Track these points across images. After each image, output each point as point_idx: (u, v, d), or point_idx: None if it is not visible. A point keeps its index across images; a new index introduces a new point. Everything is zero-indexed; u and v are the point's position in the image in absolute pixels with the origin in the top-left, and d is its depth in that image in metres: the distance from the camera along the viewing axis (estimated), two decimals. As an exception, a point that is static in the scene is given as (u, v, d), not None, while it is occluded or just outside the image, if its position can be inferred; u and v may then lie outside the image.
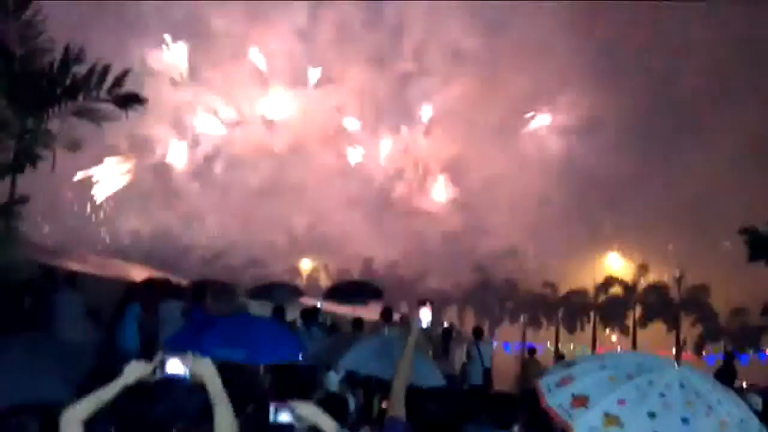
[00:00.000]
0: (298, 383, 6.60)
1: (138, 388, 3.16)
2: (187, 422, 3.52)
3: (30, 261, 16.26)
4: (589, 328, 54.68)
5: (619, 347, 55.00)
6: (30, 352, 5.17)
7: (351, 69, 67.18)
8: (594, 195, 57.97)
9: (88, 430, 3.08)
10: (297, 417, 3.06)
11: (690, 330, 51.10)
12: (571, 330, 54.81)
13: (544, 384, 3.05)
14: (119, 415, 3.26)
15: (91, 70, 12.63)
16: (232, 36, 66.17)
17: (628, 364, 2.99)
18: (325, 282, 54.73)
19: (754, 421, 2.91)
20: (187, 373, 3.20)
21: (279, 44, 67.41)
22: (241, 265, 57.57)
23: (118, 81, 12.79)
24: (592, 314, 54.52)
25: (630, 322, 53.42)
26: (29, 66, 12.43)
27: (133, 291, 13.14)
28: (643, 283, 53.05)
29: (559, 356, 32.59)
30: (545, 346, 49.13)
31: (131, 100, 13.06)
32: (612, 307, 53.52)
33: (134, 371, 3.15)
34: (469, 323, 48.16)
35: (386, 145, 69.09)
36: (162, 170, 65.60)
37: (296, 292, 19.75)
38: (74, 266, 19.93)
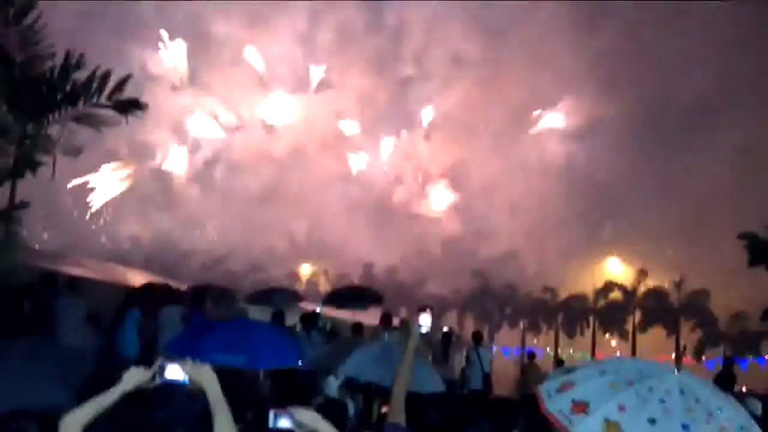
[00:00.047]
0: (297, 389, 6.59)
1: (137, 394, 3.16)
2: (187, 429, 3.51)
3: (29, 266, 16.26)
4: (588, 333, 54.66)
5: (618, 352, 55.01)
6: (30, 357, 5.17)
7: (351, 74, 67.27)
8: (593, 200, 58.04)
9: (87, 436, 3.08)
10: (297, 423, 3.05)
11: (690, 335, 51.05)
12: (571, 335, 54.80)
13: (544, 389, 3.05)
14: (118, 421, 3.26)
15: (91, 76, 12.64)
16: (232, 41, 66.33)
17: (628, 370, 2.99)
18: (324, 287, 54.74)
19: (755, 428, 2.91)
20: (187, 379, 3.20)
21: (279, 49, 67.52)
22: (241, 270, 57.60)
23: (119, 87, 12.79)
24: (591, 319, 54.52)
25: (629, 327, 53.40)
26: (29, 72, 12.44)
27: (132, 296, 13.13)
28: (642, 288, 52.99)
29: (558, 361, 32.53)
30: (545, 351, 49.18)
31: (131, 106, 13.06)
32: (611, 312, 53.52)
33: (133, 377, 3.15)
34: (469, 328, 48.13)
35: (386, 150, 69.14)
36: (162, 175, 65.65)
37: (296, 297, 19.75)
38: (74, 271, 19.92)
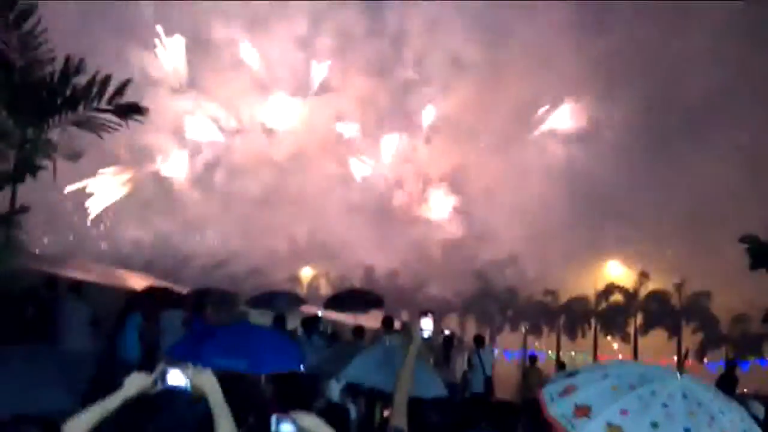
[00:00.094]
0: (299, 393, 6.58)
1: (139, 399, 3.15)
2: (188, 433, 3.51)
3: (31, 270, 16.26)
4: (590, 335, 54.60)
5: (620, 355, 54.96)
6: (31, 362, 5.18)
7: (352, 77, 67.31)
8: (594, 202, 57.99)
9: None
10: (299, 428, 3.05)
11: (691, 337, 50.99)
12: (573, 337, 54.76)
13: (546, 393, 3.04)
14: (121, 426, 3.26)
15: (91, 81, 12.63)
16: (232, 44, 66.37)
17: (630, 374, 2.99)
18: (325, 290, 54.75)
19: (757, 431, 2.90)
20: (188, 385, 3.20)
21: (279, 52, 67.54)
22: (242, 273, 57.57)
23: (119, 91, 12.79)
24: (593, 322, 54.44)
25: (631, 330, 53.34)
26: (29, 76, 12.44)
27: (134, 300, 13.15)
28: (644, 290, 52.94)
29: (560, 364, 32.52)
30: (546, 354, 49.13)
31: (132, 111, 13.06)
32: (613, 314, 53.47)
33: (135, 383, 3.15)
34: (471, 331, 48.12)
35: (387, 154, 69.14)
36: (162, 179, 65.67)
37: (297, 300, 19.72)
38: (75, 275, 19.92)
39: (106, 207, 61.50)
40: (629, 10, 58.65)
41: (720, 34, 55.74)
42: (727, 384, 14.87)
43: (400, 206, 68.75)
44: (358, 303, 19.06)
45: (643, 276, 53.06)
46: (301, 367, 7.71)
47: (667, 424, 2.73)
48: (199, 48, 65.22)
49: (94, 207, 60.60)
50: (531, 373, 18.76)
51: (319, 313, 18.38)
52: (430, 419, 4.47)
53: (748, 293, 41.20)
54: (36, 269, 17.32)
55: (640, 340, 52.70)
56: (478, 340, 16.80)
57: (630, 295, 53.22)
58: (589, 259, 57.66)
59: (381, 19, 67.84)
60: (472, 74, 66.42)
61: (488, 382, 15.25)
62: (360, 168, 68.29)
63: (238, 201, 64.07)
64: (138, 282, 25.66)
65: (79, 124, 13.01)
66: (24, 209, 13.13)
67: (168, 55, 64.76)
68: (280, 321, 13.54)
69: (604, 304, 54.15)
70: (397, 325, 15.60)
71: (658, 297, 52.39)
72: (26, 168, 12.69)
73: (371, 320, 18.58)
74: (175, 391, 3.21)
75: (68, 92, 12.66)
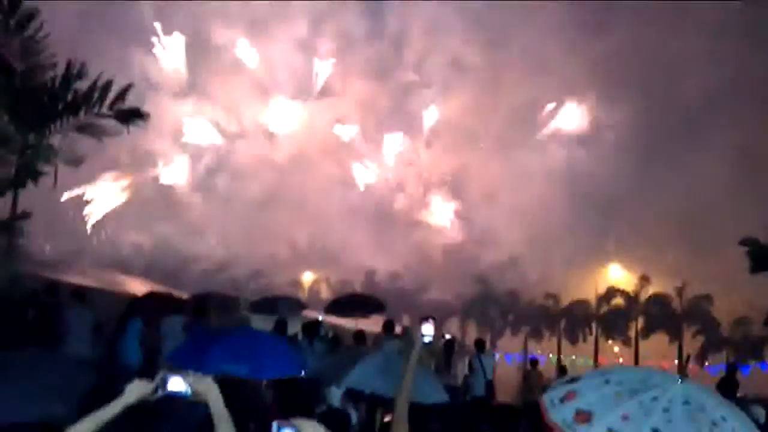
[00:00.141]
0: (300, 398, 6.58)
1: (140, 406, 3.15)
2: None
3: (32, 275, 16.27)
4: (591, 339, 54.55)
5: (621, 358, 54.92)
6: (30, 368, 5.16)
7: (352, 80, 67.34)
8: (595, 206, 57.94)
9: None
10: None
11: (692, 341, 50.94)
12: (574, 341, 54.69)
13: (547, 399, 3.03)
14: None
15: (92, 86, 12.65)
16: (233, 48, 66.41)
17: (632, 380, 2.98)
18: (326, 294, 54.74)
19: (758, 437, 2.90)
20: (189, 391, 3.20)
21: (280, 55, 67.58)
22: (243, 277, 57.59)
23: (120, 96, 12.81)
24: (594, 325, 54.38)
25: (632, 333, 53.27)
26: (31, 82, 12.46)
27: (134, 305, 13.15)
28: (645, 294, 52.88)
29: (561, 367, 32.49)
30: (547, 358, 49.04)
31: (133, 116, 13.08)
32: (614, 318, 53.41)
33: (136, 390, 3.15)
34: (471, 335, 48.06)
35: (389, 154, 69.12)
36: (164, 183, 65.67)
37: (298, 305, 19.71)
38: (76, 280, 19.93)
39: (107, 213, 61.49)
40: (629, 11, 58.69)
41: (719, 34, 55.79)
42: (727, 387, 14.81)
43: (401, 210, 68.75)
44: (359, 307, 19.06)
45: (644, 279, 52.99)
46: (302, 372, 7.71)
47: (668, 430, 2.72)
48: (199, 51, 65.30)
49: (94, 213, 60.60)
50: (532, 377, 18.75)
51: (320, 318, 18.36)
52: (431, 426, 4.47)
53: (748, 296, 41.21)
54: (37, 274, 17.32)
55: (641, 344, 52.64)
56: (479, 345, 16.79)
57: (631, 299, 53.17)
58: (590, 262, 57.64)
59: (381, 21, 67.93)
60: (473, 76, 66.51)
61: (489, 385, 15.23)
62: (363, 175, 68.26)
63: (239, 205, 64.11)
64: (138, 287, 25.68)
65: (80, 129, 13.04)
66: (25, 215, 13.15)
67: (168, 54, 64.77)
68: (281, 326, 13.53)
69: (605, 308, 54.10)
70: (398, 329, 15.58)
71: (659, 300, 52.34)
72: (28, 173, 12.71)
73: (372, 324, 18.57)
74: (175, 398, 3.20)
75: (70, 97, 12.69)
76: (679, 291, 51.72)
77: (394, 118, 68.02)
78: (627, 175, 59.24)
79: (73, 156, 13.36)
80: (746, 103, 54.18)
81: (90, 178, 57.25)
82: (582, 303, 54.39)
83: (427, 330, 4.03)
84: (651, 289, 52.85)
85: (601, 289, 54.82)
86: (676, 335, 51.80)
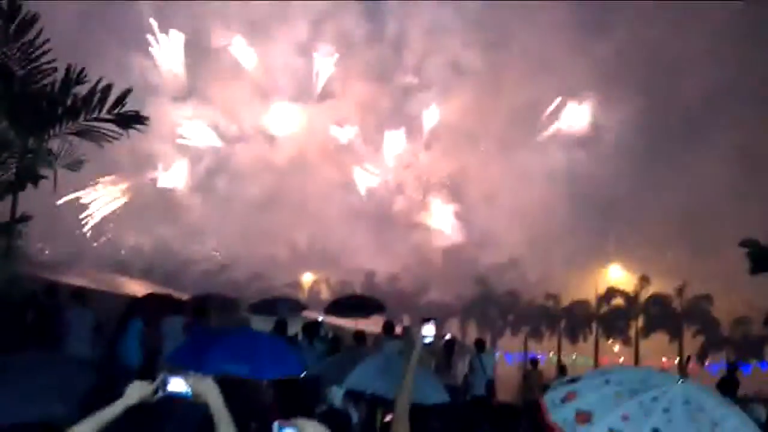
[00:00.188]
0: (301, 399, 6.59)
1: (140, 407, 3.15)
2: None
3: (31, 276, 16.28)
4: (591, 338, 54.53)
5: (621, 358, 54.92)
6: (30, 369, 5.17)
7: (352, 82, 67.35)
8: (595, 206, 57.97)
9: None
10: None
11: (692, 340, 50.94)
12: (574, 341, 54.68)
13: (548, 399, 3.04)
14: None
15: (92, 90, 12.63)
16: (232, 51, 66.40)
17: (632, 380, 2.99)
18: (326, 295, 54.72)
19: (758, 436, 2.90)
20: (189, 392, 3.20)
21: (280, 59, 67.59)
22: (243, 278, 57.61)
23: (120, 100, 12.79)
24: (594, 325, 54.36)
25: (632, 333, 53.26)
26: (30, 87, 12.44)
27: (135, 306, 13.16)
28: (645, 294, 52.86)
29: (561, 367, 32.48)
30: (547, 357, 49.03)
31: (133, 120, 13.06)
32: (614, 317, 53.41)
33: (136, 391, 3.15)
34: (472, 335, 48.04)
35: (389, 154, 69.12)
36: (163, 185, 65.70)
37: (298, 306, 19.71)
38: (76, 281, 19.95)
39: (107, 215, 61.51)
40: (629, 11, 58.72)
41: (720, 35, 55.78)
42: (728, 387, 14.78)
43: (400, 211, 68.76)
44: (359, 308, 19.06)
45: (644, 279, 52.98)
46: (303, 373, 7.71)
47: (668, 430, 2.73)
48: (199, 54, 65.34)
49: (94, 216, 60.61)
50: (532, 376, 18.75)
51: (320, 319, 18.35)
52: (432, 426, 4.47)
53: (748, 296, 41.19)
54: (36, 276, 17.33)
55: (642, 344, 52.64)
56: (479, 344, 16.80)
57: (631, 299, 53.17)
58: (590, 262, 57.64)
59: (381, 23, 67.96)
60: (472, 78, 66.56)
61: (490, 385, 15.24)
62: (365, 179, 68.22)
63: (239, 207, 64.14)
64: (138, 288, 25.69)
65: (79, 133, 13.00)
66: (25, 218, 13.15)
67: (167, 56, 64.74)
68: (281, 327, 13.53)
69: (605, 308, 54.10)
70: (397, 329, 15.59)
71: (659, 300, 52.34)
72: (28, 177, 12.70)
73: (372, 325, 18.58)
74: (176, 399, 3.21)
75: (69, 102, 12.66)
76: (679, 291, 51.71)
77: (393, 120, 68.12)
78: (627, 176, 59.33)
79: (73, 160, 13.33)
80: (746, 103, 54.20)
81: (90, 182, 57.29)
82: (582, 303, 54.39)
83: (428, 331, 4.03)
84: (651, 289, 52.85)
85: (602, 289, 54.83)
86: (676, 335, 51.81)
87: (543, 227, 60.01)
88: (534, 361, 20.34)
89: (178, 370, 3.41)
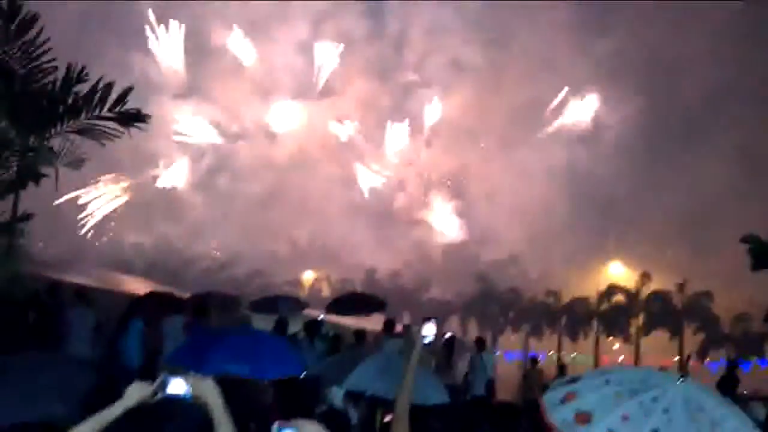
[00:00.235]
0: (301, 399, 6.59)
1: (140, 408, 3.16)
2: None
3: (33, 275, 16.28)
4: (592, 336, 54.53)
5: (622, 355, 54.94)
6: (31, 369, 5.17)
7: (353, 80, 67.35)
8: (595, 203, 57.99)
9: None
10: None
11: (692, 337, 50.93)
12: (574, 338, 54.69)
13: (547, 400, 3.04)
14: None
15: (93, 88, 12.65)
16: (233, 49, 66.41)
17: (632, 380, 2.99)
18: (327, 292, 54.77)
19: (758, 437, 2.90)
20: (189, 393, 3.21)
21: (281, 56, 67.60)
22: (244, 276, 57.66)
23: (121, 99, 12.81)
24: (594, 322, 54.35)
25: (633, 330, 53.26)
26: (31, 85, 12.46)
27: (135, 306, 13.16)
28: (645, 291, 52.84)
29: (561, 365, 32.53)
30: (548, 355, 49.08)
31: (134, 118, 13.08)
32: (615, 315, 53.38)
33: (136, 392, 3.15)
34: (472, 333, 48.08)
35: (389, 154, 69.15)
36: (164, 183, 65.71)
37: (299, 304, 19.70)
38: (77, 280, 19.96)
39: (108, 213, 61.51)
40: (629, 11, 58.71)
41: (720, 34, 55.76)
42: (728, 384, 14.84)
43: (401, 208, 68.80)
44: (360, 306, 19.05)
45: (645, 276, 52.94)
46: (303, 373, 7.71)
47: (668, 431, 2.73)
48: (200, 52, 65.35)
49: (95, 214, 60.60)
50: (532, 375, 18.78)
51: (321, 317, 18.35)
52: (432, 427, 4.47)
53: (748, 293, 41.21)
54: (38, 275, 17.34)
55: (642, 341, 52.66)
56: (480, 343, 16.82)
57: (631, 296, 53.15)
58: (590, 259, 57.71)
59: (381, 21, 67.97)
60: (473, 76, 66.57)
61: (490, 384, 15.24)
62: (367, 179, 68.17)
63: (240, 204, 64.19)
64: (139, 286, 25.69)
65: (81, 132, 13.03)
66: (27, 217, 13.17)
67: (168, 55, 64.69)
68: (281, 325, 13.53)
69: (605, 305, 54.07)
70: (398, 327, 15.59)
71: (659, 297, 52.32)
72: (29, 176, 12.73)
73: (372, 322, 18.58)
74: (176, 400, 3.21)
75: (70, 100, 12.68)
76: (680, 288, 51.69)
77: (394, 117, 68.12)
78: (627, 173, 59.41)
79: (74, 158, 13.35)
80: (746, 102, 54.25)
81: (91, 180, 57.30)
82: (582, 300, 54.37)
83: (429, 330, 4.03)
84: (651, 286, 52.82)
85: (602, 287, 54.80)
86: (676, 332, 51.80)
87: (543, 224, 60.08)
88: (534, 360, 20.38)
89: (178, 370, 3.42)
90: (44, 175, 13.14)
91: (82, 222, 60.45)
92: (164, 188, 65.53)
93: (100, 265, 46.43)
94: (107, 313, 13.15)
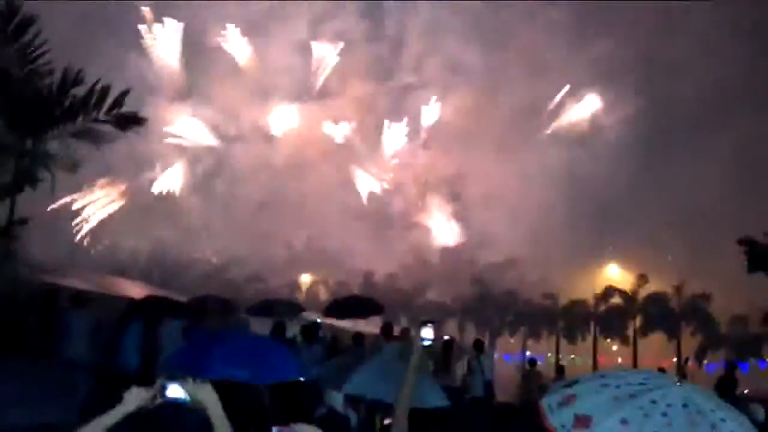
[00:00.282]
0: (299, 403, 6.59)
1: (139, 413, 3.15)
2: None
3: (31, 280, 16.26)
4: (589, 338, 54.53)
5: (619, 357, 54.95)
6: (31, 373, 5.18)
7: (350, 82, 67.34)
8: (593, 206, 57.99)
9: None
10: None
11: (690, 339, 50.94)
12: (572, 340, 54.68)
13: (546, 404, 3.03)
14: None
15: (90, 91, 12.64)
16: (231, 50, 66.38)
17: (630, 383, 2.98)
18: (325, 296, 54.69)
19: (758, 440, 2.90)
20: (188, 398, 3.20)
21: (279, 58, 67.56)
22: (241, 280, 57.56)
23: (118, 101, 12.80)
24: (592, 325, 54.35)
25: (630, 332, 53.24)
26: (28, 88, 12.44)
27: (133, 309, 13.14)
28: (643, 293, 52.84)
29: (559, 367, 32.52)
30: (546, 357, 49.07)
31: (131, 121, 13.07)
32: (612, 317, 53.39)
33: (134, 397, 3.15)
34: (470, 335, 48.04)
35: (386, 156, 69.09)
36: (161, 186, 65.60)
37: (296, 308, 19.69)
38: (75, 284, 19.89)
39: (105, 217, 61.38)
40: (628, 11, 58.76)
41: (720, 34, 55.85)
42: (726, 386, 14.83)
43: (398, 211, 68.77)
44: (358, 310, 19.02)
45: (642, 278, 52.93)
46: (302, 377, 7.70)
47: (667, 434, 2.73)
48: (197, 54, 65.27)
49: (91, 218, 60.48)
50: (530, 377, 18.77)
51: (319, 320, 18.34)
52: (430, 428, 4.47)
53: (747, 294, 41.22)
54: (36, 279, 17.30)
55: (640, 343, 52.63)
56: (478, 345, 16.79)
57: (629, 298, 53.14)
58: (588, 262, 57.73)
59: (380, 22, 67.99)
60: (471, 78, 66.61)
61: (488, 386, 15.23)
62: (366, 184, 68.08)
63: (237, 208, 64.12)
64: (136, 291, 25.62)
65: (77, 135, 13.02)
66: (23, 221, 13.15)
67: (165, 57, 64.59)
68: (279, 329, 13.52)
69: (603, 307, 54.08)
70: (396, 330, 15.58)
71: (657, 299, 52.30)
72: (26, 179, 12.72)
73: (370, 325, 18.55)
74: (174, 405, 3.21)
75: (67, 103, 12.67)
76: (677, 290, 51.70)
77: (392, 119, 68.08)
78: (625, 175, 59.38)
79: (71, 162, 13.33)
80: (745, 104, 54.28)
81: (88, 183, 57.21)
82: (580, 302, 54.38)
83: (427, 334, 4.04)
84: (649, 288, 52.82)
85: (600, 289, 54.80)
86: (674, 334, 51.81)
87: (541, 227, 60.07)
88: (532, 362, 20.37)
89: (177, 374, 3.41)
90: (40, 180, 13.11)
91: (80, 226, 60.33)
92: (161, 192, 65.42)
93: (97, 269, 46.33)
94: (105, 317, 13.13)
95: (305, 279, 62.83)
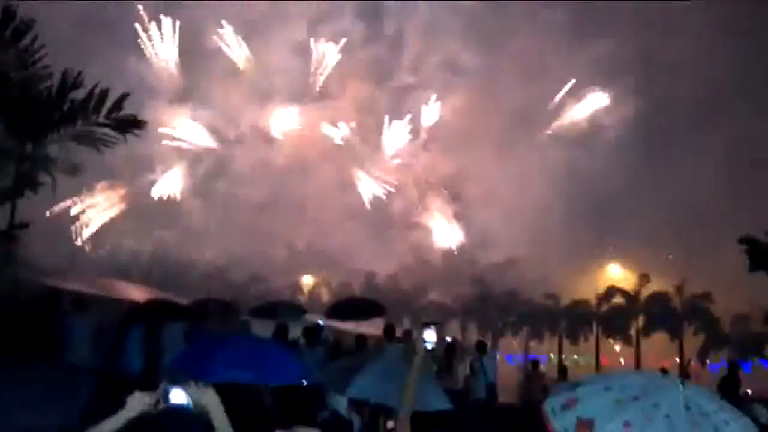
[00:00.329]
0: (302, 406, 6.58)
1: (142, 419, 3.15)
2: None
3: (32, 283, 16.27)
4: (592, 338, 54.50)
5: (622, 357, 54.92)
6: (33, 376, 5.18)
7: (350, 83, 67.31)
8: (594, 205, 57.92)
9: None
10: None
11: (693, 339, 50.92)
12: (574, 341, 54.64)
13: (548, 407, 3.02)
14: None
15: (89, 95, 12.64)
16: (229, 52, 66.32)
17: (633, 386, 2.97)
18: (327, 297, 54.69)
19: (761, 441, 2.90)
20: (190, 403, 3.20)
21: (278, 59, 67.54)
22: (243, 282, 57.56)
23: (117, 105, 12.79)
24: (594, 325, 54.32)
25: (633, 332, 53.21)
26: (27, 92, 12.43)
27: (135, 313, 13.15)
28: (645, 292, 52.81)
29: (562, 367, 32.53)
30: (548, 358, 49.03)
31: (130, 124, 13.06)
32: (614, 317, 53.36)
33: (137, 403, 3.15)
34: (472, 336, 48.04)
35: (387, 156, 69.01)
36: (162, 189, 65.52)
37: (299, 310, 19.69)
38: (76, 288, 19.90)
39: (106, 220, 61.31)
40: (628, 11, 58.72)
41: (719, 34, 55.82)
42: (729, 385, 14.83)
43: (399, 212, 68.69)
44: (360, 311, 19.03)
45: (644, 278, 52.91)
46: (305, 380, 7.70)
47: (670, 437, 2.72)
48: (196, 56, 65.20)
49: (92, 221, 60.42)
50: (533, 378, 18.77)
51: (321, 322, 18.34)
52: (433, 430, 4.47)
53: (749, 293, 41.17)
54: (37, 282, 17.31)
55: (642, 343, 52.60)
56: (481, 347, 16.78)
57: (631, 298, 53.12)
58: (589, 262, 57.64)
59: (379, 23, 67.94)
60: (471, 78, 66.55)
61: (491, 388, 15.21)
62: (368, 187, 67.96)
63: (238, 209, 64.07)
64: (138, 293, 25.63)
65: (77, 138, 13.01)
66: (23, 225, 13.15)
67: (164, 59, 64.53)
68: (281, 331, 13.51)
69: (605, 307, 54.06)
70: (398, 332, 15.57)
71: (659, 299, 52.27)
72: (26, 183, 12.71)
73: (372, 327, 18.54)
74: (177, 410, 3.21)
75: (66, 107, 12.66)
76: (680, 289, 51.68)
77: (392, 120, 67.99)
78: (626, 174, 59.29)
79: (71, 165, 13.32)
80: (745, 103, 54.23)
81: (88, 186, 57.18)
82: (582, 302, 54.35)
83: (429, 336, 4.03)
84: (651, 288, 52.80)
85: (601, 289, 54.78)
86: (676, 333, 51.79)
87: (542, 226, 60.01)
88: (535, 363, 20.36)
89: (179, 378, 3.41)
90: (41, 183, 13.11)
91: (81, 229, 60.26)
92: (162, 194, 65.35)
93: (99, 272, 46.32)
94: (107, 320, 13.13)
95: (307, 281, 62.76)
